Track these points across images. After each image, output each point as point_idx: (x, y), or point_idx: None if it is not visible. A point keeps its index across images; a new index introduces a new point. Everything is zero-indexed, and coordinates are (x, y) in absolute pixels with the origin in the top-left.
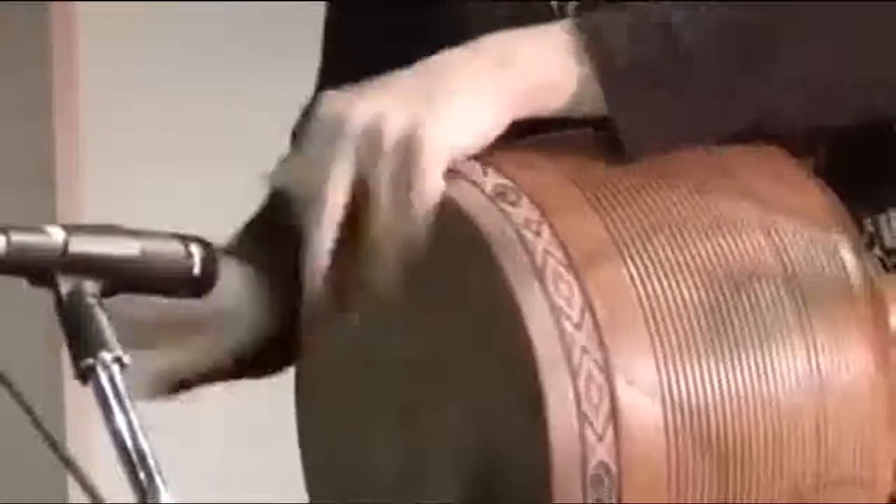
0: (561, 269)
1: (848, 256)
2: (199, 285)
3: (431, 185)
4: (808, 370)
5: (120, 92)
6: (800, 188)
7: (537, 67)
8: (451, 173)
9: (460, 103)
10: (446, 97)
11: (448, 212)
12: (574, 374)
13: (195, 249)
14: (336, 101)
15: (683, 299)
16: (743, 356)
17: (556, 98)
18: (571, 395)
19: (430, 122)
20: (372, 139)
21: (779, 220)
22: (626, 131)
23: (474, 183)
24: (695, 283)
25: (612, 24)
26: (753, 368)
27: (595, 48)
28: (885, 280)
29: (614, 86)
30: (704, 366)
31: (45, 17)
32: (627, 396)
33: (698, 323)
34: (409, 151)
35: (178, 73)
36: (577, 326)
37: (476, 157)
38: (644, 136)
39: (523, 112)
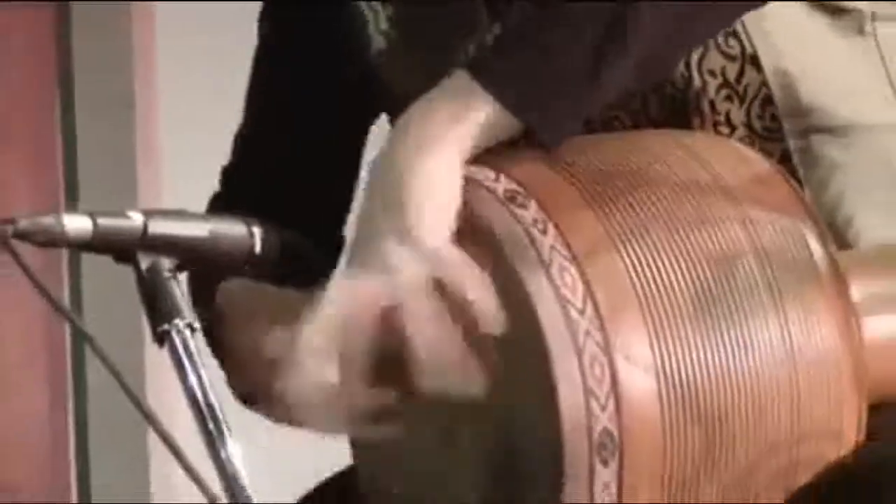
0: (565, 262)
1: (813, 241)
2: (261, 262)
3: (461, 268)
4: (781, 342)
5: (197, 88)
6: (769, 182)
7: (453, 124)
8: (467, 180)
9: (421, 197)
10: (406, 204)
11: (465, 215)
12: (579, 354)
13: (256, 230)
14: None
15: (672, 285)
16: (725, 333)
17: (484, 133)
18: (578, 373)
19: (419, 238)
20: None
21: (752, 212)
22: (539, 128)
23: (488, 189)
24: (682, 271)
25: (485, 48)
26: (734, 343)
27: (480, 75)
28: (844, 257)
29: (508, 93)
30: (692, 343)
31: (127, 16)
32: (626, 372)
33: (685, 305)
34: (433, 268)
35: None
36: (581, 312)
37: (487, 163)
38: (556, 128)
39: (470, 155)
